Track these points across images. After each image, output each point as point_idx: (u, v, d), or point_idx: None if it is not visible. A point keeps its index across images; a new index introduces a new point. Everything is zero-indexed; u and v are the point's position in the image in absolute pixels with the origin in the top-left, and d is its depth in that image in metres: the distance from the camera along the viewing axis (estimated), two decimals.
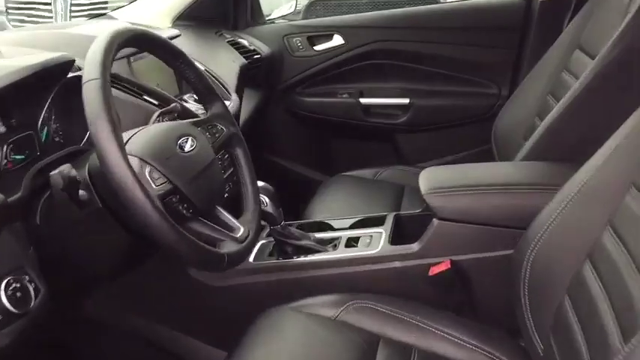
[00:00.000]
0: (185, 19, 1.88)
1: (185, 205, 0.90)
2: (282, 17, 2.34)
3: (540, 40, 1.83)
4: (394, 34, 2.02)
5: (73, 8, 4.23)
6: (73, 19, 4.06)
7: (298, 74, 2.10)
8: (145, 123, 1.05)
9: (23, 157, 0.98)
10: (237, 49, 1.88)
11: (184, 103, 1.32)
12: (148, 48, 1.00)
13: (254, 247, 0.99)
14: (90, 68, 0.82)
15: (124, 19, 1.84)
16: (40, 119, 1.02)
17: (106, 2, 4.21)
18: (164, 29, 1.45)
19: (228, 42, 1.90)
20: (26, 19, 4.32)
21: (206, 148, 0.98)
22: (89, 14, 4.06)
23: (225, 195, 1.12)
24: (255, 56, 1.93)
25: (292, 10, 2.36)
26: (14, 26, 4.34)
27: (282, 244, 1.27)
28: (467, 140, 2.05)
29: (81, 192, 0.88)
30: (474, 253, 1.16)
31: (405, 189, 1.69)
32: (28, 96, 0.98)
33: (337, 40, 2.07)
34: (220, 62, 1.70)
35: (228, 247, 0.93)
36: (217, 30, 1.96)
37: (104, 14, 2.00)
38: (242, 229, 0.99)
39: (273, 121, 2.15)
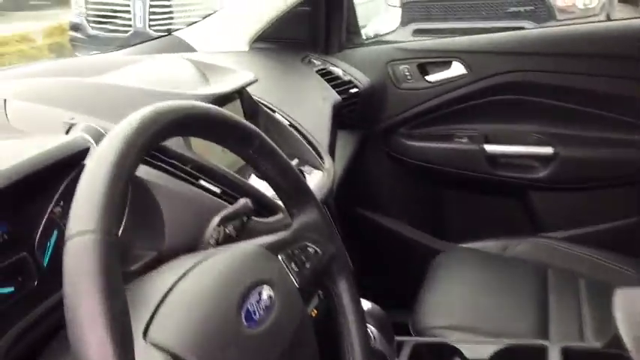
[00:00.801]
0: (265, 40, 1.69)
1: None
2: (385, 35, 2.04)
3: None
4: (534, 61, 1.71)
5: (152, 10, 4.43)
6: (151, 28, 4.31)
7: (404, 111, 1.81)
8: (199, 234, 0.75)
9: (11, 289, 0.67)
10: (328, 80, 1.61)
11: (259, 184, 0.95)
12: (201, 134, 0.64)
13: None
14: (80, 210, 0.46)
15: (191, 40, 1.62)
16: (41, 228, 0.71)
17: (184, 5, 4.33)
18: (235, 72, 1.09)
19: (317, 71, 1.63)
20: (109, 26, 4.60)
21: (291, 301, 0.63)
22: (169, 23, 4.30)
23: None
24: (352, 90, 1.66)
25: (397, 25, 2.03)
26: (93, 28, 4.65)
27: None
28: (630, 204, 1.72)
29: None
30: None
31: (548, 272, 1.46)
32: (21, 199, 0.69)
33: (457, 68, 1.77)
34: (308, 105, 1.42)
35: None
36: (304, 55, 1.71)
37: (170, 31, 1.75)
38: None
39: (370, 169, 1.87)
